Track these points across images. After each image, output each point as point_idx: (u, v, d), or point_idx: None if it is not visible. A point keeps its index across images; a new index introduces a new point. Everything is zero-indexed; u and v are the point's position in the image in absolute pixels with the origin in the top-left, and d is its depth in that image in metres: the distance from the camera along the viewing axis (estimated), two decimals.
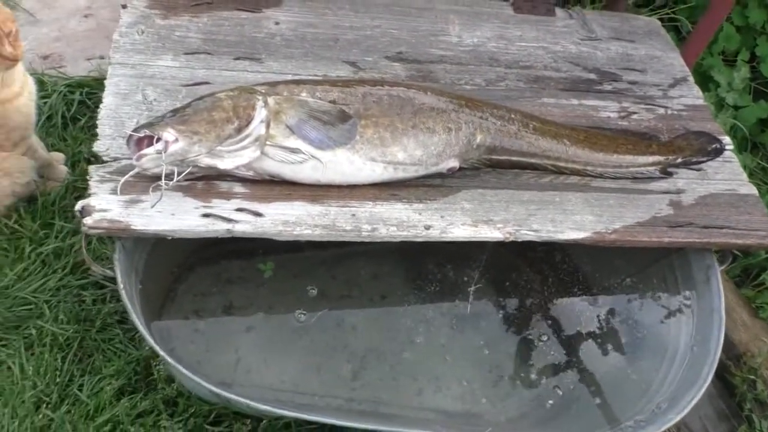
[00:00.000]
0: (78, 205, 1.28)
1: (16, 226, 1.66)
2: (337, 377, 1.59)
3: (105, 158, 1.37)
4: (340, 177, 1.38)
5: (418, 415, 1.58)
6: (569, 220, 1.44)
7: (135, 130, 1.27)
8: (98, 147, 1.38)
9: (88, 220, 1.25)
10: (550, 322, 1.55)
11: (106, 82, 1.50)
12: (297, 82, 1.39)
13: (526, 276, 1.61)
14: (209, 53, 1.61)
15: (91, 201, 1.28)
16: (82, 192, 1.79)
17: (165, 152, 1.24)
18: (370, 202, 1.40)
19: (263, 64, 1.63)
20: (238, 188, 1.36)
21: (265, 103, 1.31)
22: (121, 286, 1.27)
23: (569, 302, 1.57)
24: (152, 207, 1.26)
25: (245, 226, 1.31)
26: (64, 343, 1.51)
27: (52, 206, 1.71)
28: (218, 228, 1.30)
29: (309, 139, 1.33)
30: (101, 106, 1.45)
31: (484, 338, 1.61)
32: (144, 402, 1.44)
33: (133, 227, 1.26)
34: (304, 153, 1.33)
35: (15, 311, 1.54)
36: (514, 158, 1.49)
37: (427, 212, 1.40)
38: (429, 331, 1.65)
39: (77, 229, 1.69)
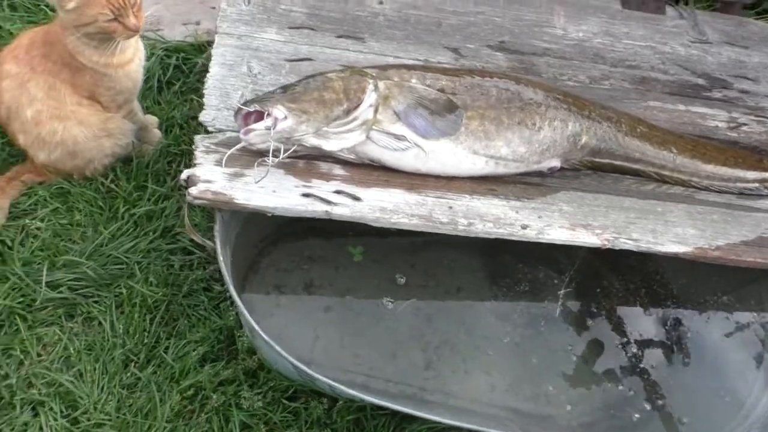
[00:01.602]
0: (183, 174, 1.30)
1: (112, 186, 1.70)
2: (411, 365, 1.58)
3: (210, 129, 1.38)
4: (440, 167, 1.36)
5: (488, 411, 1.58)
6: (670, 232, 1.39)
7: (244, 104, 1.28)
8: (204, 117, 1.39)
9: (193, 190, 1.27)
10: (639, 333, 1.51)
11: (212, 52, 1.51)
12: (407, 68, 1.37)
13: (617, 283, 1.57)
14: (313, 29, 1.61)
15: (197, 171, 1.29)
16: (174, 157, 1.84)
17: (273, 129, 1.25)
18: (467, 195, 1.38)
19: (365, 43, 1.61)
20: (338, 170, 1.36)
21: (376, 87, 1.29)
22: (221, 258, 1.29)
23: (661, 314, 1.53)
24: (257, 183, 1.27)
25: (343, 209, 1.31)
26: (152, 305, 1.55)
27: (146, 168, 1.74)
28: (317, 209, 1.30)
29: (415, 126, 1.31)
30: (208, 75, 1.46)
31: (562, 342, 1.58)
32: (226, 371, 1.47)
33: (236, 201, 1.28)
34: (408, 141, 1.31)
35: (108, 269, 1.58)
36: (617, 162, 1.45)
37: (524, 211, 1.38)
38: (504, 329, 1.63)
39: (169, 193, 1.72)
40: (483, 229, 1.34)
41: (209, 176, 1.29)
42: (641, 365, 1.45)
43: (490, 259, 1.74)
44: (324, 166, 1.36)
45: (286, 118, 1.26)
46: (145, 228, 1.66)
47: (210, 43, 2.04)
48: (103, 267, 1.58)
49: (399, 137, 1.31)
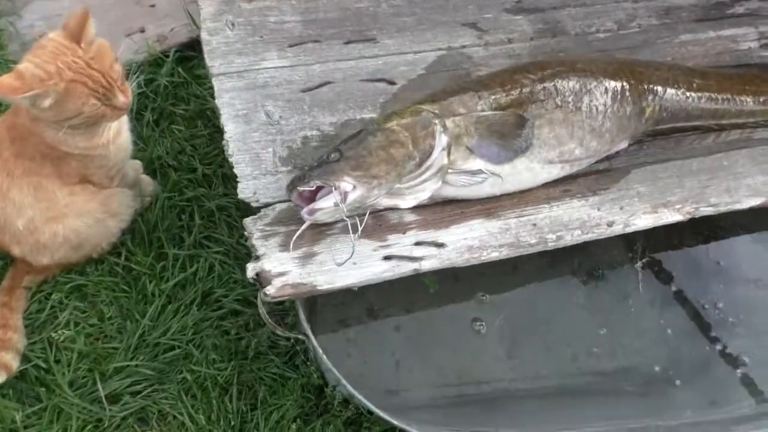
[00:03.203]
0: (250, 272, 1.14)
1: (131, 265, 1.50)
2: (495, 359, 1.55)
3: (255, 205, 1.21)
4: (516, 186, 1.25)
5: (576, 382, 1.60)
6: (742, 186, 1.36)
7: (302, 182, 1.11)
8: (244, 193, 1.21)
9: (270, 290, 1.12)
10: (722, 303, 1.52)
11: (217, 103, 1.28)
12: (462, 89, 1.20)
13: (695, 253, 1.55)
14: (316, 41, 1.38)
15: (265, 265, 1.14)
16: (177, 206, 1.62)
17: (344, 203, 1.09)
18: (545, 205, 1.29)
19: (378, 43, 1.41)
20: (409, 217, 1.23)
21: (444, 127, 1.14)
22: (315, 342, 1.18)
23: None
24: (340, 265, 1.13)
25: (431, 261, 1.20)
26: (223, 382, 1.44)
27: (154, 232, 1.54)
28: (405, 269, 1.18)
29: (489, 157, 1.18)
30: (226, 137, 1.25)
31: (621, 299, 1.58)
32: (328, 428, 1.41)
33: (319, 287, 1.14)
34: (485, 173, 1.19)
35: (161, 359, 1.44)
36: (679, 124, 1.38)
37: (604, 205, 1.30)
38: (573, 298, 1.61)
39: (194, 252, 1.54)
40: (572, 238, 1.26)
41: (280, 267, 1.14)
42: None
43: None
44: (394, 217, 1.23)
45: (354, 188, 1.10)
46: (182, 300, 1.50)
47: (166, 54, 1.77)
48: (155, 359, 1.44)
49: (475, 173, 1.18)
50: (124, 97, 1.18)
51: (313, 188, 1.10)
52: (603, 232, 1.28)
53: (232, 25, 1.36)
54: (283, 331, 1.24)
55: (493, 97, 1.19)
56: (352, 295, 1.55)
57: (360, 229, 1.12)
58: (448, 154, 1.15)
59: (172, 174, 1.61)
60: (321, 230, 1.19)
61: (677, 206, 1.33)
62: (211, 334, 1.48)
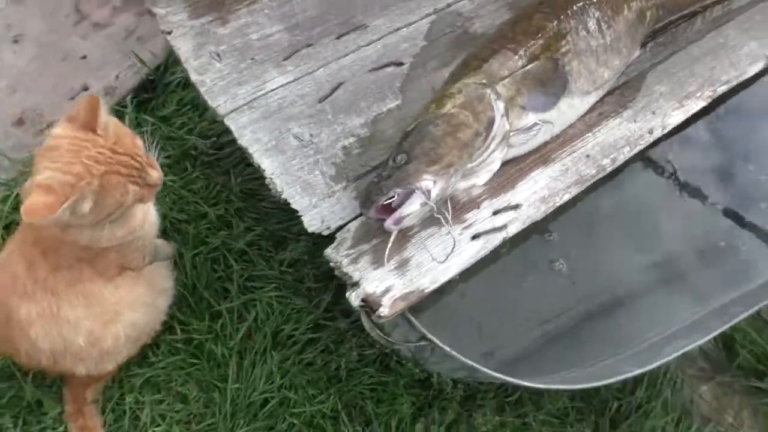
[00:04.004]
0: (355, 300, 1.09)
1: (190, 336, 1.40)
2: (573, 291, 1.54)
3: (327, 233, 1.14)
4: (562, 126, 1.26)
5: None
6: (742, 57, 1.42)
7: (379, 195, 1.06)
8: (312, 225, 1.14)
9: (383, 311, 1.08)
10: None
11: (241, 143, 1.19)
12: (495, 51, 1.16)
13: None
14: (308, 44, 1.30)
15: (367, 288, 1.09)
16: (207, 259, 1.52)
17: (430, 200, 1.06)
18: (589, 134, 1.30)
19: (368, 27, 1.34)
20: (476, 191, 1.20)
21: (497, 94, 1.11)
22: (440, 343, 1.15)
23: None
24: (443, 261, 1.10)
25: (515, 225, 1.19)
26: (330, 412, 1.40)
27: (196, 293, 1.44)
28: (495, 242, 1.17)
29: (539, 107, 1.17)
30: (266, 174, 1.17)
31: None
32: (446, 413, 1.42)
33: (426, 290, 1.12)
34: (539, 124, 1.18)
35: (260, 417, 1.37)
36: (674, 17, 1.41)
37: (638, 116, 1.33)
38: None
39: (239, 303, 1.45)
40: (625, 156, 1.29)
41: (382, 285, 1.10)
42: None
43: None
44: (462, 196, 1.20)
45: (435, 183, 1.06)
46: (255, 350, 1.43)
47: (122, 105, 1.61)
48: (254, 419, 1.38)
49: (531, 127, 1.17)
50: (156, 171, 1.07)
51: (393, 198, 1.06)
52: (648, 140, 1.32)
53: (218, 55, 1.25)
54: (401, 342, 1.21)
55: (526, 49, 1.17)
56: None
57: (450, 218, 1.09)
58: (507, 119, 1.13)
59: (188, 228, 1.50)
60: (402, 234, 1.15)
61: (698, 94, 1.37)
62: (297, 372, 1.43)
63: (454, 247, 1.09)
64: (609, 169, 1.28)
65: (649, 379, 1.63)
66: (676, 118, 1.35)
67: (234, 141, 1.43)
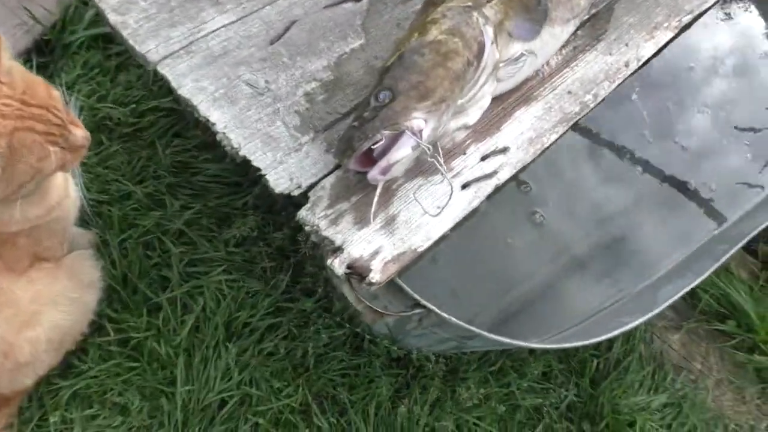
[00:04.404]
0: (340, 267, 0.92)
1: (126, 336, 1.17)
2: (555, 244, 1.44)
3: (298, 192, 0.96)
4: (545, 57, 1.14)
5: None
6: None
7: (362, 140, 0.89)
8: (279, 184, 0.96)
9: (374, 276, 0.92)
10: None
11: (183, 95, 0.98)
12: None
13: None
14: None
15: (352, 252, 0.93)
16: (138, 245, 1.29)
17: (422, 140, 0.90)
18: (567, 69, 1.19)
19: None
20: (459, 135, 1.07)
21: (485, 17, 0.97)
22: (434, 308, 1.00)
23: None
24: (437, 215, 0.95)
25: (506, 170, 1.06)
26: (299, 405, 1.22)
27: (128, 286, 1.21)
28: (487, 189, 1.04)
29: (524, 35, 1.04)
30: (217, 129, 0.97)
31: None
32: (429, 391, 1.28)
33: (420, 248, 0.97)
34: (525, 54, 1.05)
35: (218, 420, 1.16)
36: None
37: (612, 48, 1.24)
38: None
39: (188, 289, 1.24)
40: (605, 91, 1.19)
41: (370, 247, 0.94)
42: None
43: None
44: (445, 142, 1.05)
45: (426, 121, 0.91)
46: (206, 343, 1.22)
47: None
48: (212, 423, 1.18)
49: (517, 58, 1.04)
50: (81, 129, 0.85)
51: (381, 140, 0.90)
52: (626, 74, 1.23)
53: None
54: (395, 311, 1.05)
55: None
56: None
57: (443, 168, 0.94)
58: (497, 47, 0.99)
59: (111, 211, 1.26)
60: (385, 188, 0.99)
61: (665, 24, 1.30)
62: (258, 365, 1.24)
63: (451, 195, 0.95)
64: (592, 106, 1.18)
65: (623, 334, 1.57)
66: (649, 49, 1.27)
67: (158, 108, 1.22)
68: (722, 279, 1.75)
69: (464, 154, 1.06)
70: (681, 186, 1.41)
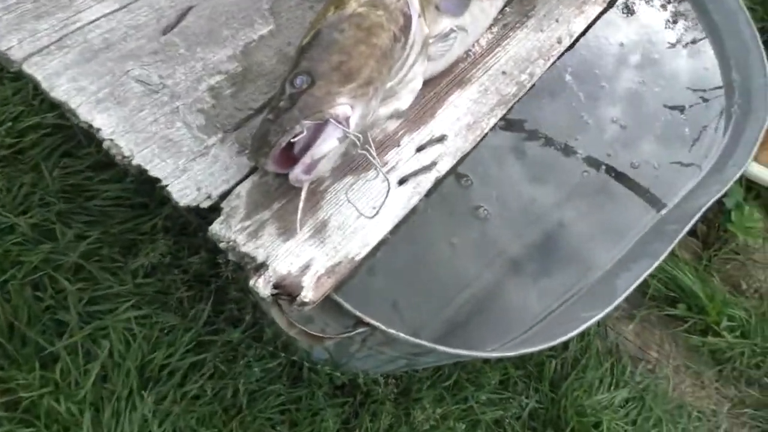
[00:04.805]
0: (264, 287, 0.77)
1: (17, 396, 0.97)
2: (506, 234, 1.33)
3: (209, 203, 0.81)
4: (475, 35, 1.04)
5: None
6: None
7: (280, 134, 0.75)
8: (184, 196, 0.80)
9: (306, 294, 0.78)
10: None
11: (56, 98, 0.81)
12: None
13: None
14: None
15: (279, 268, 0.79)
16: (25, 285, 1.09)
17: (351, 130, 0.77)
18: (499, 48, 1.09)
19: None
20: (390, 125, 0.94)
21: None
22: (379, 325, 0.87)
23: None
24: (373, 217, 0.82)
25: (446, 160, 0.95)
26: None
27: (15, 336, 1.01)
28: (427, 183, 0.92)
29: (453, 9, 0.93)
30: (103, 135, 0.80)
31: None
32: (381, 417, 1.14)
33: (357, 257, 0.83)
34: (454, 30, 0.94)
35: None
36: None
37: (543, 24, 1.16)
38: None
39: (91, 331, 1.05)
40: (541, 69, 1.11)
41: (298, 260, 0.80)
42: None
43: None
44: (375, 133, 0.93)
45: (353, 107, 0.78)
46: (117, 394, 1.03)
47: None
48: None
49: (447, 34, 0.93)
50: None
51: (302, 133, 0.76)
52: (560, 50, 1.15)
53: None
54: (335, 333, 0.91)
55: None
56: None
57: (378, 163, 0.81)
58: (425, 21, 0.87)
59: None
60: (311, 191, 0.85)
61: None
62: (181, 412, 1.06)
63: (388, 192, 0.82)
64: (528, 86, 1.09)
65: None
66: (579, 24, 1.20)
67: (41, 125, 1.06)
68: (668, 262, 1.70)
69: (398, 145, 0.94)
70: (625, 167, 1.34)
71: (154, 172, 0.81)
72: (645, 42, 1.55)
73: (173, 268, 1.16)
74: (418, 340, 0.88)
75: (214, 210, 0.82)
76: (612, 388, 1.48)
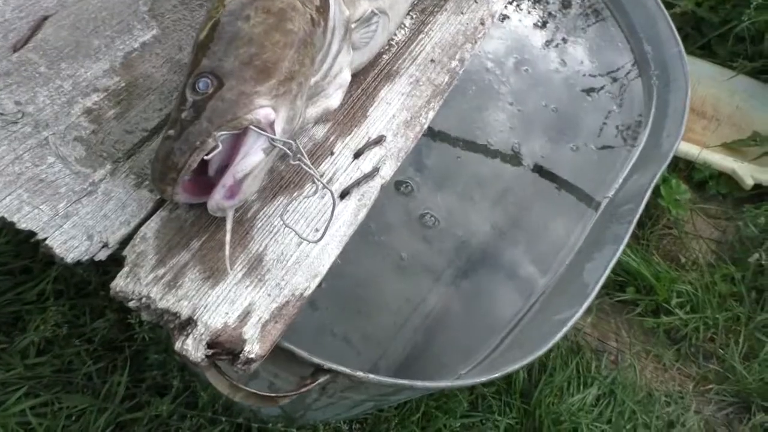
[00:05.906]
0: (196, 352, 0.60)
1: None
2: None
3: (107, 253, 0.63)
4: (398, 19, 0.92)
5: None
6: None
7: (188, 153, 0.59)
8: (71, 251, 0.61)
9: (251, 349, 0.62)
10: None
11: None
12: None
13: None
14: None
15: (211, 321, 0.62)
16: None
17: (275, 137, 0.62)
18: (422, 35, 0.97)
19: None
20: (319, 130, 0.80)
21: None
22: (344, 369, 0.71)
23: None
24: (318, 241, 0.67)
25: (388, 164, 0.81)
26: None
27: None
28: (372, 193, 0.78)
29: None
30: None
31: None
32: None
33: (305, 292, 0.68)
34: (376, 13, 0.81)
35: None
36: None
37: (464, 6, 1.04)
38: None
39: None
40: (469, 53, 0.99)
41: (235, 309, 0.63)
42: None
43: None
44: (302, 141, 0.78)
45: (276, 109, 0.63)
46: None
47: None
48: None
49: (369, 18, 0.79)
50: None
51: (216, 149, 0.60)
52: (484, 32, 1.04)
53: None
54: (290, 390, 0.73)
55: None
56: None
57: (319, 178, 0.66)
58: (343, 2, 0.74)
59: None
60: (237, 219, 0.69)
61: None
62: None
63: (334, 207, 0.67)
64: (461, 72, 0.97)
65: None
66: (499, 4, 1.11)
67: None
68: None
69: (331, 153, 0.79)
70: (564, 150, 1.25)
71: (24, 224, 0.62)
72: (554, 26, 1.50)
73: (73, 338, 0.95)
74: (392, 379, 0.73)
75: (115, 261, 0.64)
76: (582, 387, 1.39)
